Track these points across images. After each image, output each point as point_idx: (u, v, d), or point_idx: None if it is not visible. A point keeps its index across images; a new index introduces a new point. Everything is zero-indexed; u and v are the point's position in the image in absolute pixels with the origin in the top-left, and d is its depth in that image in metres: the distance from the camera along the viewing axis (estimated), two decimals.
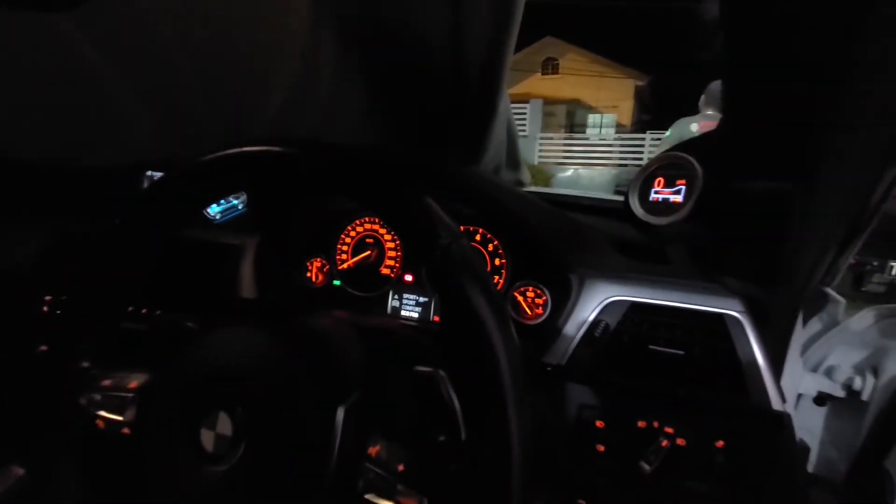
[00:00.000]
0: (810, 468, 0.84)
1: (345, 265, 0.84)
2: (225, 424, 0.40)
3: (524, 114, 9.57)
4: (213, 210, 0.94)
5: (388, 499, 0.37)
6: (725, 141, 0.47)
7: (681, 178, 0.50)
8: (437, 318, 0.78)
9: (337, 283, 0.85)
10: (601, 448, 0.58)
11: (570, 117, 12.21)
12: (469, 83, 0.70)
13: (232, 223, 0.91)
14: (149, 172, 0.97)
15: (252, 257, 0.84)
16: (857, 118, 0.40)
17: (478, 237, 0.75)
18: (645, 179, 0.54)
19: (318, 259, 0.86)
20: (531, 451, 0.35)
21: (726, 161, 0.47)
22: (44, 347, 0.51)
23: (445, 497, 0.36)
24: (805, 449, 0.85)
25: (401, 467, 0.37)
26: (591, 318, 0.60)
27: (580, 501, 0.62)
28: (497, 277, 0.74)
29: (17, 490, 0.53)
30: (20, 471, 0.54)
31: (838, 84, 0.38)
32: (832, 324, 0.84)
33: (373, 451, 0.39)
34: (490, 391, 0.34)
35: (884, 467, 0.71)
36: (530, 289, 0.71)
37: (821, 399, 0.84)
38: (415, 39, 0.67)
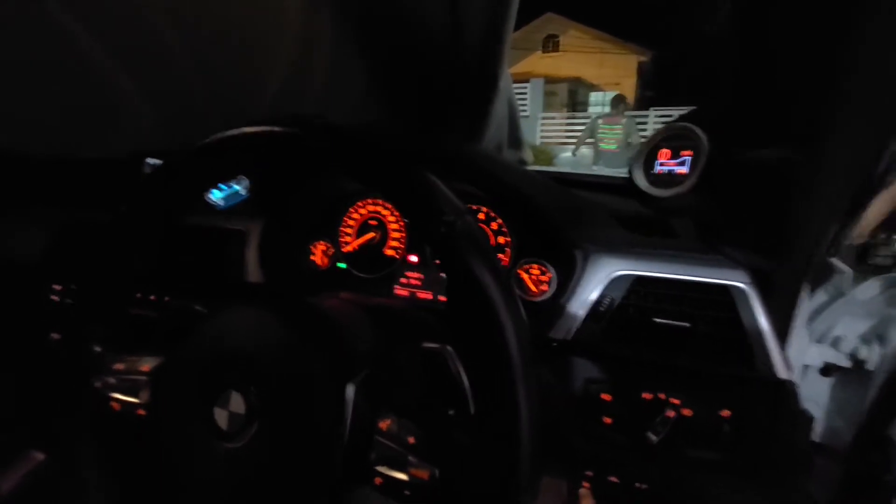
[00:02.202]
0: (816, 438, 0.85)
1: (349, 247, 0.84)
2: (238, 403, 0.41)
3: (525, 93, 9.44)
4: (216, 196, 0.94)
5: (400, 471, 0.38)
6: (731, 111, 0.46)
7: (686, 149, 0.50)
8: (442, 298, 0.78)
9: (341, 265, 0.85)
10: (608, 420, 0.59)
11: (572, 96, 12.03)
12: (469, 61, 0.69)
13: (235, 209, 0.91)
14: (149, 160, 0.97)
15: (256, 242, 0.85)
16: (860, 89, 0.40)
17: (481, 216, 0.75)
18: (650, 151, 0.54)
19: (323, 242, 0.86)
20: (539, 424, 0.36)
21: (731, 131, 0.46)
22: (56, 335, 0.51)
23: (456, 468, 0.36)
24: (811, 419, 0.86)
25: (411, 440, 0.38)
26: (597, 293, 0.61)
27: (588, 473, 0.63)
28: (501, 255, 0.74)
29: (38, 474, 0.54)
30: (40, 455, 0.56)
31: (843, 55, 0.37)
32: (838, 294, 0.84)
33: (383, 425, 0.40)
34: (498, 366, 0.35)
35: (889, 436, 0.71)
36: (535, 266, 0.71)
37: (827, 369, 0.84)
38: (412, 17, 0.66)
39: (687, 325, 0.56)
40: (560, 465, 0.65)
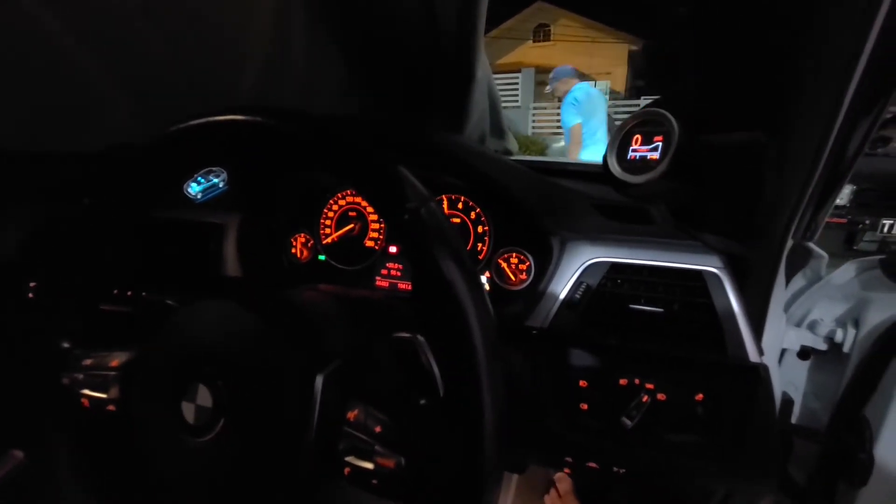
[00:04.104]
0: (794, 420, 0.86)
1: (329, 239, 0.83)
2: (205, 396, 0.40)
3: (516, 84, 9.38)
4: (194, 190, 0.92)
5: (367, 460, 0.38)
6: (700, 95, 0.46)
7: (658, 135, 0.49)
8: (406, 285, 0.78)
9: (322, 257, 0.84)
10: (585, 407, 0.59)
11: None
12: (445, 47, 0.68)
13: (214, 202, 0.90)
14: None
15: (235, 236, 0.84)
16: (826, 70, 0.40)
17: (460, 205, 0.75)
18: (623, 137, 0.53)
19: (303, 234, 0.85)
20: (505, 412, 0.36)
21: (701, 115, 0.46)
22: (23, 329, 0.51)
23: (421, 456, 0.36)
24: (789, 402, 0.87)
25: (378, 428, 0.38)
26: (573, 280, 0.61)
27: (567, 459, 0.64)
28: (480, 245, 0.74)
29: (19, 472, 0.54)
30: (20, 454, 0.55)
31: (807, 37, 0.37)
32: (815, 279, 0.85)
33: (351, 415, 0.39)
34: (461, 353, 0.35)
35: (863, 416, 0.73)
36: (514, 255, 0.71)
37: (804, 353, 0.85)
38: (385, 7, 0.65)
39: (661, 310, 0.57)
40: (541, 452, 0.65)
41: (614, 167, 0.53)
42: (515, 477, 1.40)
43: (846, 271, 0.81)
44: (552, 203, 0.67)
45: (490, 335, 0.35)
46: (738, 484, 0.57)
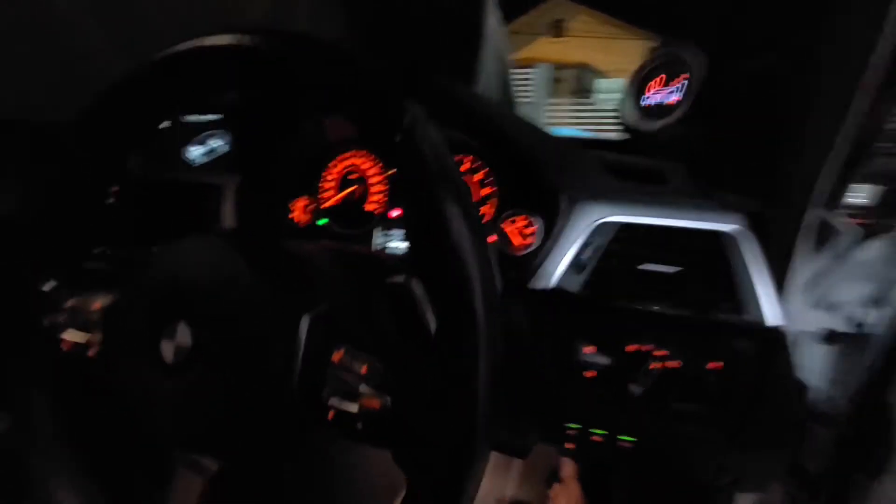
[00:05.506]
0: (812, 406, 0.82)
1: (329, 203, 0.81)
2: (184, 334, 0.38)
3: (530, 79, 9.28)
4: (193, 153, 0.91)
5: (352, 401, 0.35)
6: (727, 18, 0.42)
7: (681, 74, 0.46)
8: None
9: (321, 222, 0.82)
10: (591, 374, 0.56)
11: (579, 82, 11.83)
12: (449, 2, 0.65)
13: (213, 164, 0.88)
14: None
15: (234, 198, 0.82)
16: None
17: (465, 166, 0.72)
18: (641, 80, 0.50)
19: (303, 198, 0.83)
20: (500, 363, 0.33)
21: (727, 42, 0.42)
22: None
23: (409, 398, 0.34)
24: (805, 387, 0.83)
25: (364, 369, 0.35)
26: (580, 241, 0.57)
27: (570, 432, 0.61)
28: (486, 207, 0.71)
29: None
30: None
31: None
32: (839, 257, 0.80)
33: (337, 356, 0.37)
34: (456, 292, 0.32)
35: (886, 401, 0.69)
36: (520, 218, 0.68)
37: (825, 336, 0.81)
38: None
39: (673, 270, 0.53)
40: (544, 419, 0.62)
41: (630, 114, 0.50)
42: (518, 463, 1.37)
43: (871, 249, 0.77)
44: (562, 159, 0.64)
45: (488, 273, 0.32)
46: (748, 459, 0.54)
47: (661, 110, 0.48)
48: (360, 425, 0.35)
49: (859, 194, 0.66)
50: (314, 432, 0.38)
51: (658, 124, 0.47)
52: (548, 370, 0.58)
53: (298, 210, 0.83)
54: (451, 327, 0.32)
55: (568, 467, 1.13)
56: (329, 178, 0.81)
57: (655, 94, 0.48)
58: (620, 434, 0.58)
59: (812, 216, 0.53)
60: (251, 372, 0.37)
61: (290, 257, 0.45)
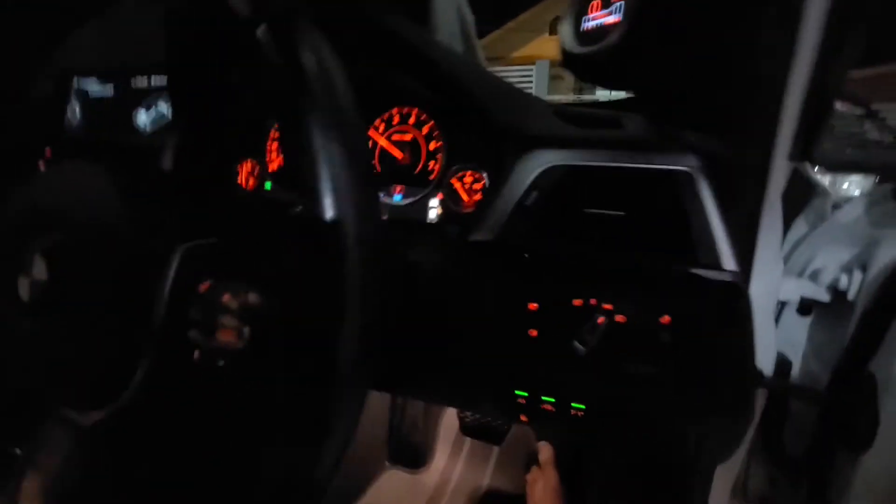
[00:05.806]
0: (792, 380, 0.76)
1: (275, 165, 0.76)
2: (40, 268, 0.33)
3: (530, 76, 9.21)
4: (142, 121, 0.87)
5: (212, 335, 0.30)
6: None
7: None
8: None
9: (268, 186, 0.77)
10: (534, 333, 0.51)
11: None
12: None
13: (160, 130, 0.84)
14: (76, 78, 0.90)
15: (177, 162, 0.77)
16: None
17: (412, 119, 0.67)
18: (579, 9, 0.45)
19: (249, 161, 0.78)
20: (377, 299, 0.28)
21: None
22: None
23: (271, 325, 0.29)
24: (786, 362, 0.78)
25: (226, 297, 0.30)
26: (525, 187, 0.52)
27: (521, 397, 0.56)
28: (433, 163, 0.66)
29: None
30: None
31: None
32: (819, 221, 0.75)
33: (203, 287, 0.32)
34: (328, 229, 0.27)
35: (868, 371, 0.63)
36: (468, 173, 0.63)
37: (804, 307, 0.76)
38: None
39: (622, 213, 0.48)
40: (488, 384, 0.57)
41: (568, 40, 0.45)
42: (495, 450, 1.32)
43: (853, 208, 0.71)
44: (511, 104, 0.59)
45: (364, 208, 0.28)
46: (705, 424, 0.49)
47: (599, 32, 0.43)
48: (221, 362, 0.30)
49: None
50: (182, 373, 0.33)
51: (598, 46, 0.42)
52: (492, 330, 0.54)
53: (244, 174, 0.79)
54: (316, 263, 0.28)
55: (546, 452, 1.08)
56: (275, 139, 0.77)
57: (596, 16, 0.43)
58: (570, 400, 0.53)
59: (779, 165, 0.47)
60: (111, 309, 0.33)
61: (170, 193, 0.41)
